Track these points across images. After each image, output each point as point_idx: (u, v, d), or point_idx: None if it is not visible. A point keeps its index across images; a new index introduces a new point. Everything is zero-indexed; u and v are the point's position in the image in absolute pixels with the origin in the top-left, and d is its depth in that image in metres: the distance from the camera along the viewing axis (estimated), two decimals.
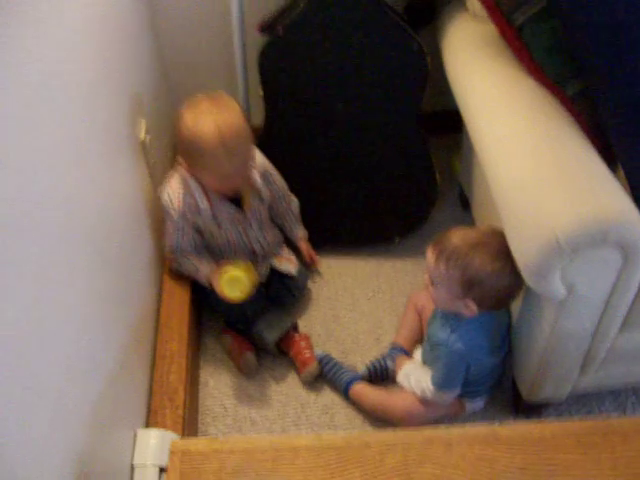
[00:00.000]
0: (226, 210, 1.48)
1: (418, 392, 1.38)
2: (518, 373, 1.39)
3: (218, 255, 1.57)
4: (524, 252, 1.08)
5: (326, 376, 1.53)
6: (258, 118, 1.70)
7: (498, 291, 1.23)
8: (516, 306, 1.39)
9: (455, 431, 0.99)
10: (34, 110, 0.85)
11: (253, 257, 1.58)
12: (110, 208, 1.18)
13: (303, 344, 1.56)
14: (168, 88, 1.85)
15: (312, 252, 1.73)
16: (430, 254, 1.26)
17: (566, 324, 1.16)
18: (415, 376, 1.41)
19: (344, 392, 1.49)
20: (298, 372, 1.54)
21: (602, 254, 1.05)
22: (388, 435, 0.99)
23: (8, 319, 0.72)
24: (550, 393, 1.35)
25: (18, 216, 0.77)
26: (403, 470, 0.94)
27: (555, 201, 1.06)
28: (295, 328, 1.60)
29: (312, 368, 1.52)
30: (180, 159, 1.43)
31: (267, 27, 1.53)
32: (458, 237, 1.24)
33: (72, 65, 1.03)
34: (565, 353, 1.22)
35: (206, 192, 1.44)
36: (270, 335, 1.53)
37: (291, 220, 1.69)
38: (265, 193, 1.53)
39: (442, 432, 0.99)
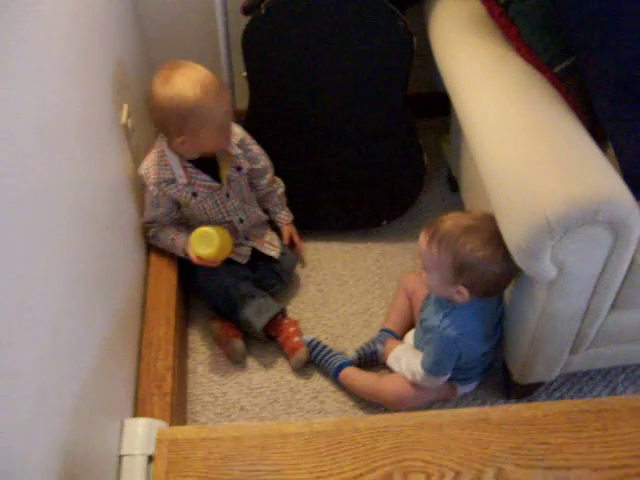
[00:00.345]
0: (202, 180, 1.47)
1: (408, 375, 1.37)
2: (509, 354, 1.38)
3: (196, 227, 1.54)
4: (514, 232, 1.07)
5: (315, 361, 1.52)
6: (243, 102, 1.68)
7: (489, 277, 1.22)
8: (507, 288, 1.38)
9: (446, 414, 0.98)
10: (11, 92, 0.82)
11: (234, 233, 1.56)
12: (91, 191, 1.16)
13: (292, 330, 1.54)
14: (151, 72, 1.82)
15: (296, 237, 1.71)
16: (422, 238, 1.26)
17: (557, 304, 1.15)
18: (405, 359, 1.40)
19: (334, 377, 1.48)
20: (287, 358, 1.53)
21: (592, 233, 1.04)
22: (379, 419, 0.98)
23: None
24: (541, 374, 1.34)
25: None
26: (394, 454, 0.93)
27: (544, 180, 1.05)
28: (284, 314, 1.59)
29: (301, 354, 1.50)
30: (177, 140, 1.39)
31: (250, 8, 1.50)
32: (451, 221, 1.23)
33: (53, 46, 1.00)
34: (556, 333, 1.22)
35: (183, 165, 1.45)
36: (258, 321, 1.51)
37: (274, 203, 1.67)
38: (244, 163, 1.53)
39: (433, 416, 0.98)
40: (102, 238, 1.20)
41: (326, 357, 1.50)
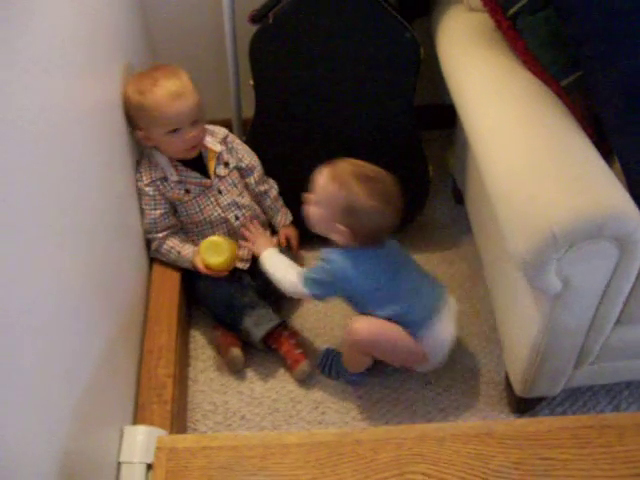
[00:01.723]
0: (193, 178, 1.51)
1: (283, 281, 1.41)
2: (511, 368, 1.37)
3: (195, 233, 1.57)
4: (519, 245, 1.06)
5: (330, 371, 1.51)
6: (249, 110, 1.68)
7: (372, 226, 1.31)
8: (506, 298, 1.37)
9: (448, 427, 0.98)
10: (15, 97, 0.82)
11: (232, 234, 1.57)
12: (96, 200, 1.16)
13: (293, 342, 1.54)
14: None
15: (293, 241, 1.69)
16: (323, 174, 1.33)
17: (561, 318, 1.14)
18: (283, 266, 1.44)
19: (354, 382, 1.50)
20: (290, 370, 1.52)
21: (598, 247, 1.03)
22: (380, 431, 0.97)
23: None
24: (544, 388, 1.33)
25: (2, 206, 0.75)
26: (396, 467, 0.92)
27: (550, 193, 1.04)
28: (284, 325, 1.58)
29: (304, 366, 1.50)
30: (139, 133, 1.45)
31: (258, 18, 1.51)
32: (354, 167, 1.32)
33: (58, 51, 1.01)
34: (559, 347, 1.21)
35: (173, 163, 1.49)
36: (257, 331, 1.50)
37: (268, 205, 1.68)
38: (230, 159, 1.57)
39: (435, 429, 0.97)
40: (106, 246, 1.20)
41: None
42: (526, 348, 1.25)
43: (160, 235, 1.52)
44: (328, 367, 1.52)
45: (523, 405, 1.42)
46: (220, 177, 1.54)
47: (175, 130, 1.42)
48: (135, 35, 1.62)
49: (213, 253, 1.43)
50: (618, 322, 1.19)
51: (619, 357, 1.30)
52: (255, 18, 1.51)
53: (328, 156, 1.65)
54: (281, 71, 1.55)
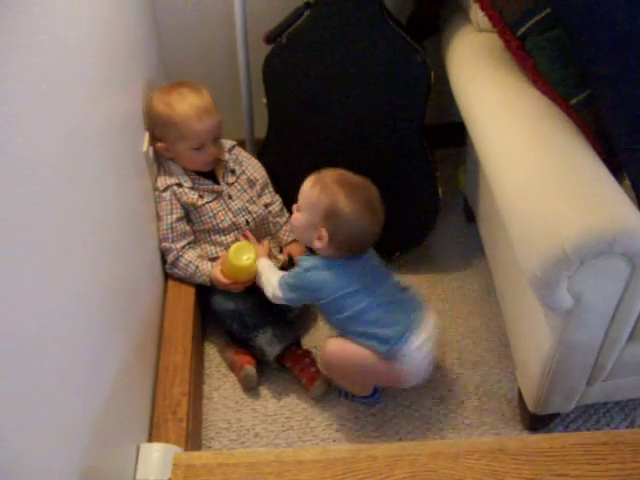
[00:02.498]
0: (205, 185, 1.57)
1: (267, 288, 1.44)
2: (524, 384, 1.37)
3: (207, 242, 1.60)
4: (530, 262, 1.07)
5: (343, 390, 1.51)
6: (261, 130, 1.71)
7: (352, 232, 1.33)
8: (517, 314, 1.38)
9: (462, 443, 0.98)
10: (34, 117, 0.84)
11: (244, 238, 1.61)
12: (112, 216, 1.18)
13: (307, 360, 1.55)
14: None
15: (295, 258, 1.62)
16: (309, 181, 1.37)
17: (573, 335, 1.15)
18: (266, 275, 1.46)
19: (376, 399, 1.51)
20: (306, 388, 1.53)
21: (609, 264, 1.04)
22: (395, 448, 0.98)
23: (5, 329, 0.71)
24: (557, 405, 1.33)
25: (18, 223, 0.76)
26: None
27: (561, 211, 1.05)
28: (298, 343, 1.59)
29: (320, 384, 1.51)
30: (160, 145, 1.52)
31: (273, 38, 1.53)
32: (339, 174, 1.36)
33: (75, 70, 1.03)
34: (572, 364, 1.21)
35: (187, 172, 1.56)
36: (271, 349, 1.51)
37: (270, 219, 1.68)
38: (236, 167, 1.63)
39: (449, 445, 0.98)
40: (122, 263, 1.21)
41: None
42: (538, 365, 1.26)
43: (177, 246, 1.53)
44: (343, 389, 1.52)
45: (536, 422, 1.42)
46: (229, 184, 1.60)
47: (199, 147, 1.49)
48: (151, 55, 1.66)
49: (242, 256, 1.46)
50: (631, 338, 1.20)
51: (633, 373, 1.30)
52: (269, 38, 1.54)
53: None
54: (293, 90, 1.58)
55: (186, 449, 1.27)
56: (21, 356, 0.74)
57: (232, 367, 1.58)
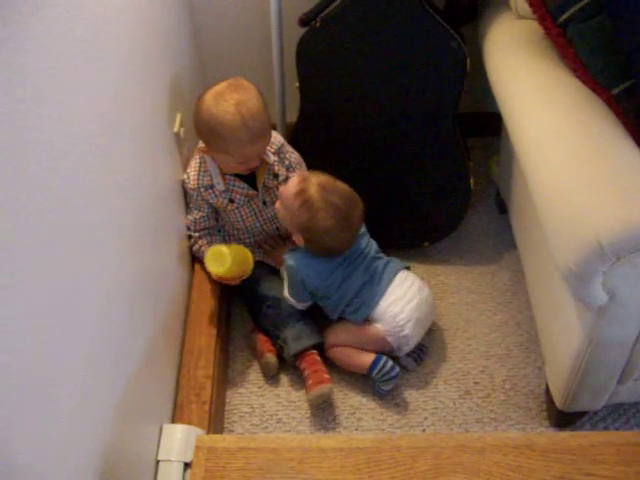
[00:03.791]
0: (240, 188, 1.51)
1: (284, 289, 1.53)
2: (553, 380, 1.35)
3: (234, 236, 1.59)
4: (565, 255, 1.05)
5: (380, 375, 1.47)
6: (292, 114, 1.69)
7: (325, 246, 1.41)
8: (548, 309, 1.35)
9: (489, 438, 0.96)
10: (69, 96, 0.84)
11: (272, 242, 1.60)
12: (142, 198, 1.17)
13: (321, 367, 1.47)
14: (204, 82, 1.85)
15: None
16: (292, 187, 1.39)
17: (606, 331, 1.12)
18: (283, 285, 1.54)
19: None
20: (308, 389, 1.45)
21: None
22: (419, 439, 0.96)
23: (31, 310, 0.71)
24: (586, 402, 1.31)
25: (50, 205, 0.76)
26: (434, 475, 0.91)
27: (599, 204, 1.02)
28: (319, 348, 1.52)
29: (326, 388, 1.44)
30: (202, 146, 1.46)
31: (307, 21, 1.52)
32: (324, 189, 1.38)
33: (113, 50, 1.02)
34: (604, 361, 1.19)
35: (222, 172, 1.49)
36: (294, 345, 1.48)
37: None
38: (280, 170, 1.55)
39: (475, 439, 0.96)
40: (150, 245, 1.21)
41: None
42: (568, 361, 1.23)
43: (196, 234, 1.54)
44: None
45: (564, 419, 1.39)
46: (268, 188, 1.54)
47: (243, 162, 1.43)
48: (184, 35, 1.65)
49: (215, 262, 1.42)
50: None
51: None
52: (304, 21, 1.53)
53: (369, 161, 1.66)
54: (326, 74, 1.56)
55: (208, 432, 1.27)
56: (44, 335, 0.74)
57: (255, 353, 1.57)
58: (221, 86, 1.39)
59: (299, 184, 1.38)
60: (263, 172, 1.51)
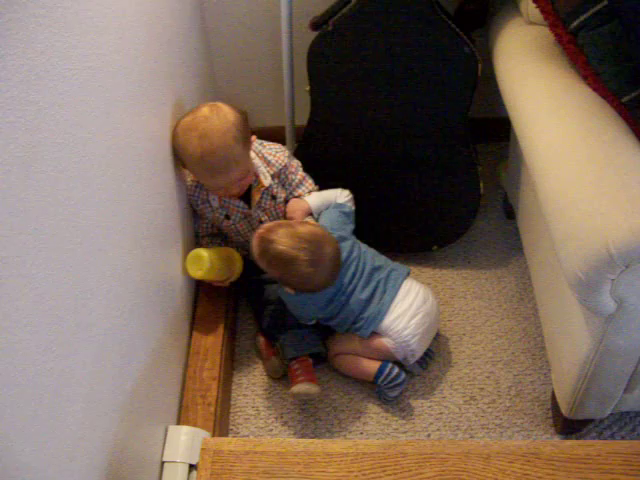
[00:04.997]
0: (235, 206, 1.49)
1: None
2: (559, 387, 1.34)
3: (234, 242, 1.59)
4: (573, 263, 1.04)
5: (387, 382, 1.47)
6: (301, 118, 1.69)
7: (307, 285, 1.39)
8: (555, 316, 1.35)
9: (495, 445, 0.96)
10: (82, 99, 0.84)
11: None
12: (153, 206, 1.18)
13: (313, 370, 1.47)
14: (214, 86, 1.86)
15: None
16: (255, 246, 1.36)
17: (613, 340, 1.12)
18: None
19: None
20: (296, 382, 1.44)
21: None
22: (425, 445, 0.96)
23: (41, 311, 0.71)
24: (592, 410, 1.30)
25: (59, 207, 0.76)
26: None
27: (608, 211, 1.02)
28: (318, 358, 1.53)
29: (316, 388, 1.43)
30: (185, 171, 1.46)
31: (319, 25, 1.52)
32: (285, 245, 1.33)
33: (127, 59, 1.03)
34: (610, 370, 1.18)
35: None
36: (291, 351, 1.47)
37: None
38: (280, 192, 1.53)
39: (481, 446, 0.96)
40: (158, 247, 1.22)
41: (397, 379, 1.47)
42: (575, 368, 1.23)
43: (202, 233, 1.57)
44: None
45: (569, 426, 1.39)
46: (264, 208, 1.52)
47: (218, 190, 1.42)
48: (195, 39, 1.65)
49: (194, 266, 1.41)
50: None
51: None
52: (315, 25, 1.52)
53: (379, 164, 1.66)
54: (337, 78, 1.56)
55: (214, 433, 1.28)
56: (52, 335, 0.74)
57: (260, 355, 1.58)
58: (197, 111, 1.34)
59: (259, 245, 1.36)
60: (258, 193, 1.49)
